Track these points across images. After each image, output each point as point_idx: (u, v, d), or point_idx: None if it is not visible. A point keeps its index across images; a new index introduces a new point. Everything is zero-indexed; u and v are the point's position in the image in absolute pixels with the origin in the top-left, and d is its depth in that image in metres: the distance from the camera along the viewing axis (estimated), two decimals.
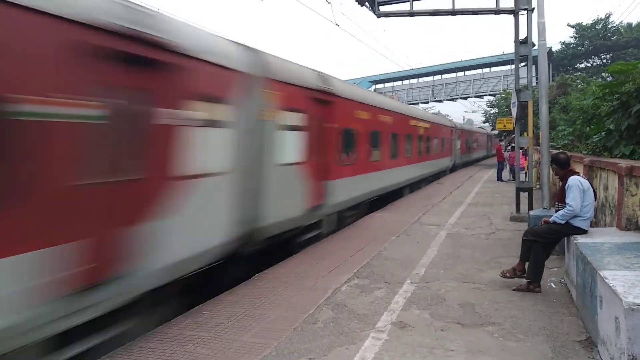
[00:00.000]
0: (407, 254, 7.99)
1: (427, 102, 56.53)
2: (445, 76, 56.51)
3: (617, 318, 3.46)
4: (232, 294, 6.13)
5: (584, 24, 45.67)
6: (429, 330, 4.77)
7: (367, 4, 12.72)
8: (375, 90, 54.44)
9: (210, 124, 5.95)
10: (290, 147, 8.12)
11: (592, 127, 10.51)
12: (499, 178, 23.00)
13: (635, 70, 7.93)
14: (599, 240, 5.37)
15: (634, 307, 3.28)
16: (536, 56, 10.22)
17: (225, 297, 5.98)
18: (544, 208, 9.04)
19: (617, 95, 8.35)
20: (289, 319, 5.14)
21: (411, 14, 12.57)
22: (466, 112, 62.73)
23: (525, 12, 11.04)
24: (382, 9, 12.95)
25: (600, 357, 3.96)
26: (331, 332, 4.78)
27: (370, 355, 4.22)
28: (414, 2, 12.46)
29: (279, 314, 5.33)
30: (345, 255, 8.04)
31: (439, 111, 47.19)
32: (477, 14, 12.24)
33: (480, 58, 53.26)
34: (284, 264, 7.62)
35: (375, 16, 13.01)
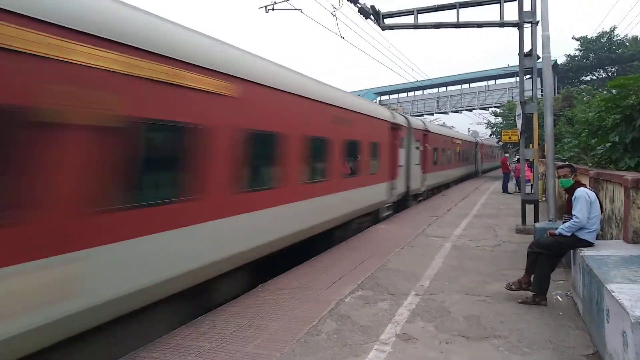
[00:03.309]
0: (412, 266, 7.94)
1: (432, 114, 56.59)
2: (450, 88, 56.62)
3: (624, 332, 3.42)
4: (235, 304, 6.10)
5: (589, 37, 45.76)
6: (433, 342, 4.72)
7: (371, 17, 12.81)
8: (380, 102, 54.58)
9: None
10: None
11: (597, 139, 10.48)
12: (505, 190, 22.92)
13: (636, 84, 7.93)
14: (606, 253, 5.33)
15: None
16: (541, 69, 10.23)
17: (228, 308, 5.95)
18: (550, 220, 8.97)
19: (620, 109, 8.33)
20: (292, 331, 5.11)
21: (415, 26, 12.65)
22: (471, 124, 62.73)
23: (530, 25, 11.08)
24: (387, 21, 13.04)
25: None
26: (334, 344, 4.74)
27: None
28: (418, 15, 12.54)
29: (281, 325, 5.30)
30: (349, 266, 8.00)
31: (444, 123, 47.15)
32: (481, 27, 12.29)
33: (485, 70, 53.40)
34: (287, 275, 7.58)
35: (380, 28, 13.10)
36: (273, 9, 14.47)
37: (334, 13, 13.52)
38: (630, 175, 6.05)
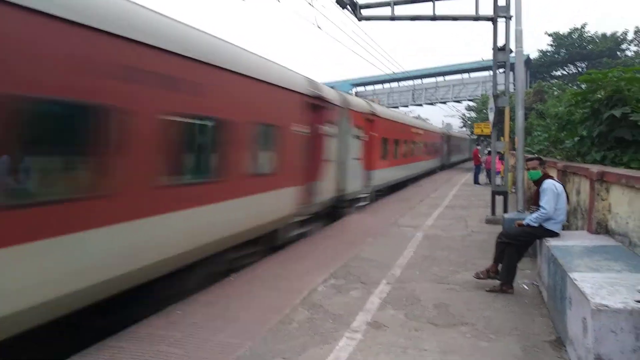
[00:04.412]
0: (384, 255, 8.03)
1: (407, 106, 57.03)
2: (425, 80, 57.12)
3: (585, 318, 3.54)
4: (207, 294, 6.06)
5: (561, 32, 46.77)
6: (403, 330, 4.80)
7: (348, 7, 12.78)
8: (356, 94, 54.61)
9: None
10: None
11: (566, 133, 10.76)
12: (476, 181, 23.36)
13: (605, 79, 8.14)
14: (570, 243, 5.49)
15: (601, 307, 3.36)
16: (514, 63, 10.40)
17: (200, 297, 5.91)
18: (519, 211, 9.18)
19: (589, 103, 8.55)
20: (264, 320, 5.11)
21: (392, 18, 12.68)
22: (445, 117, 63.49)
23: (504, 19, 11.24)
24: (364, 12, 13.04)
25: (569, 356, 4.05)
26: (306, 333, 4.77)
27: (344, 355, 4.23)
28: (395, 6, 12.57)
29: (254, 314, 5.30)
30: (322, 255, 8.04)
31: (419, 115, 47.53)
32: (457, 20, 12.41)
33: (460, 64, 54.04)
34: (261, 264, 7.57)
35: (357, 20, 13.08)
36: None
37: (311, 3, 13.44)
38: (595, 168, 6.23)
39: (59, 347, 4.35)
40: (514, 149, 12.65)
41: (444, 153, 35.62)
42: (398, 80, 54.74)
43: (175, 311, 5.39)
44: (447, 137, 37.58)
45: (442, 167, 34.76)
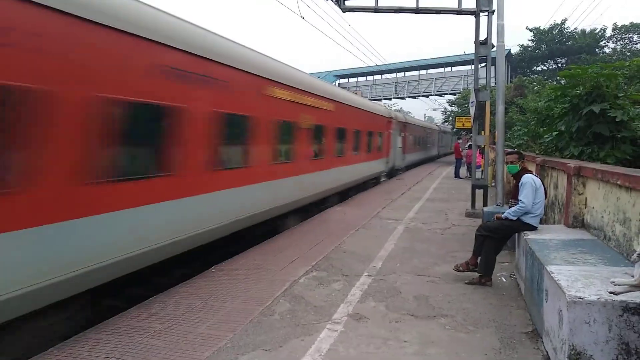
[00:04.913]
0: (366, 248, 8.09)
1: (390, 99, 57.21)
2: (408, 73, 57.30)
3: (561, 310, 3.63)
4: (188, 285, 6.04)
5: (541, 28, 47.31)
6: (383, 321, 4.85)
7: None
8: (340, 85, 54.54)
9: None
10: None
11: (545, 128, 10.90)
12: (457, 175, 23.60)
13: (585, 75, 8.26)
14: (547, 237, 5.60)
15: (576, 300, 3.44)
16: (495, 57, 10.49)
17: (181, 289, 5.89)
18: (498, 205, 9.32)
19: (568, 98, 8.67)
20: (246, 311, 5.11)
21: (376, 10, 12.65)
22: (427, 110, 63.95)
23: (486, 13, 11.32)
24: (348, 3, 12.96)
25: (544, 347, 4.14)
26: (287, 324, 4.79)
27: (326, 346, 4.26)
28: None
29: (235, 306, 5.30)
30: (304, 248, 8.06)
31: (401, 108, 47.70)
32: (440, 13, 12.43)
33: (443, 57, 54.29)
34: (242, 256, 7.56)
35: (340, 10, 13.03)
36: None
37: None
38: (572, 163, 6.35)
39: (37, 340, 4.29)
40: (494, 143, 12.81)
41: (395, 150, 22.97)
42: (381, 72, 54.83)
43: (155, 303, 5.36)
44: (401, 126, 24.31)
45: (392, 173, 23.15)
